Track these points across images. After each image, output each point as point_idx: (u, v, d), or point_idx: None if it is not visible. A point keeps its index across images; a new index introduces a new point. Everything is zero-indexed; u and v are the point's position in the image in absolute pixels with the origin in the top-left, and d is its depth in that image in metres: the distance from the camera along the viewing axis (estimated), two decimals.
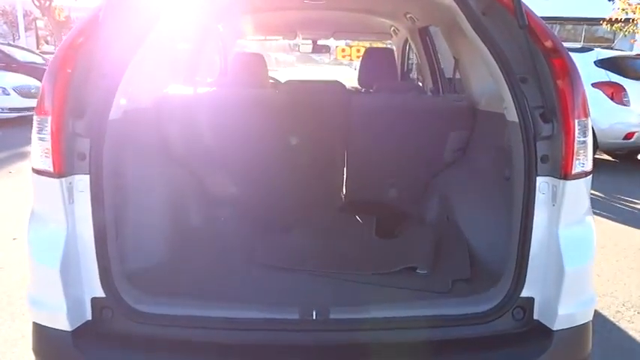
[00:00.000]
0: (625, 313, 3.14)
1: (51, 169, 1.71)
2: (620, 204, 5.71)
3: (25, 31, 24.14)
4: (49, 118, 1.69)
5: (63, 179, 1.72)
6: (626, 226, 4.86)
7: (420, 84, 4.14)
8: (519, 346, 1.83)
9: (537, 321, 1.87)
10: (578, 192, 1.81)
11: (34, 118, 1.73)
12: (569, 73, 1.74)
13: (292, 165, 2.96)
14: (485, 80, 2.78)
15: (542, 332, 1.83)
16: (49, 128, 1.69)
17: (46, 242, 1.76)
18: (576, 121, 1.74)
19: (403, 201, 3.08)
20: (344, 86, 2.83)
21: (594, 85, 7.51)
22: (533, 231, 1.82)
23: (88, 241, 1.76)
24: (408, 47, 4.69)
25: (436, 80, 3.95)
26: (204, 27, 3.85)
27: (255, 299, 1.97)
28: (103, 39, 1.77)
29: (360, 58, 5.48)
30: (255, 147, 2.88)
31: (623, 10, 15.14)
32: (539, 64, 1.78)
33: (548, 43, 1.80)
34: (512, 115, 1.86)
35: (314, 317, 1.81)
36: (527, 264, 1.84)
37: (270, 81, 4.18)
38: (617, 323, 3.03)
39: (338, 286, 2.18)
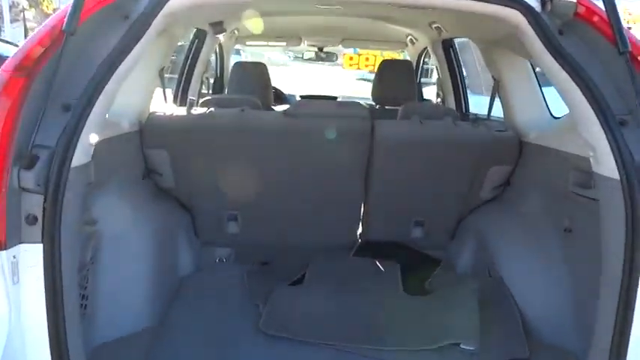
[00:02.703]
0: None
1: None
2: None
3: (12, 23, 23.31)
4: None
5: (3, 252, 1.25)
6: None
7: (440, 101, 3.70)
8: None
9: None
10: None
11: None
12: None
13: (301, 199, 2.51)
14: (536, 108, 2.36)
15: None
16: None
17: None
18: None
19: (430, 243, 2.64)
20: (366, 109, 2.37)
21: None
22: (633, 324, 1.39)
23: (38, 334, 1.29)
24: (423, 60, 4.25)
25: (459, 99, 3.52)
26: (199, 34, 3.37)
27: None
28: (70, 54, 1.31)
29: (370, 67, 5.06)
30: (258, 178, 2.42)
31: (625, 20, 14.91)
32: None
33: None
34: (607, 168, 1.43)
35: None
36: (624, 352, 1.41)
37: (272, 91, 3.72)
38: None
39: None
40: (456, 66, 3.51)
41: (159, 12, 1.53)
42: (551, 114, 2.34)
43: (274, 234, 2.62)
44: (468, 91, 3.41)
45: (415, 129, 2.28)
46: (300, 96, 4.64)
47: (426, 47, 3.93)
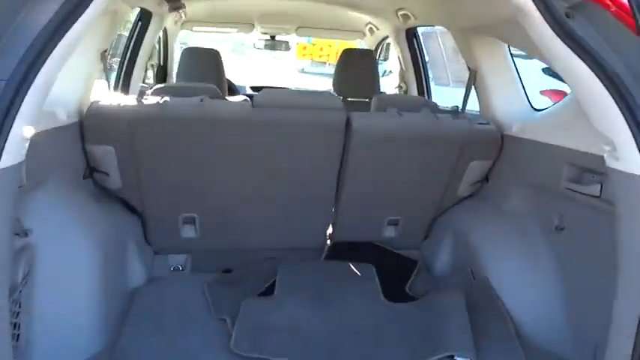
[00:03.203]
0: None
1: None
2: None
3: None
4: None
5: None
6: None
7: (403, 93, 3.56)
8: None
9: None
10: None
11: None
12: None
13: (267, 198, 2.27)
14: (516, 99, 2.25)
15: None
16: None
17: None
18: None
19: (404, 242, 2.49)
20: (339, 100, 2.16)
21: (542, 92, 7.42)
22: None
23: None
24: (381, 50, 4.10)
25: (422, 91, 3.40)
26: (143, 15, 3.03)
27: None
28: None
29: (324, 58, 4.86)
30: (220, 175, 2.16)
31: None
32: None
33: None
34: (629, 165, 1.30)
35: None
36: None
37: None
38: None
39: None
40: (419, 56, 3.38)
41: None
42: (531, 105, 2.24)
43: (236, 237, 2.36)
44: (433, 83, 3.28)
45: (394, 121, 2.10)
46: (251, 87, 4.36)
47: (386, 37, 3.79)
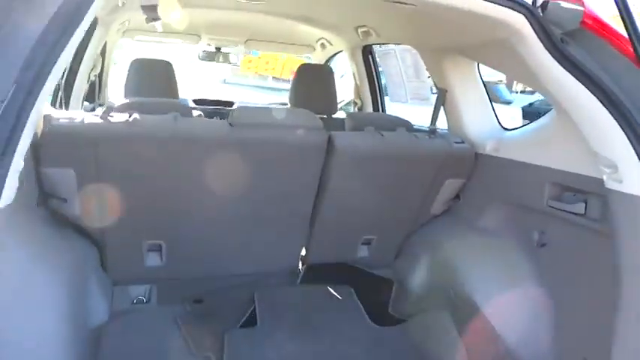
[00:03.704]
0: None
1: None
2: None
3: None
4: None
5: None
6: None
7: (357, 109, 3.56)
8: None
9: None
10: None
11: None
12: None
13: (241, 222, 2.15)
14: (487, 118, 2.31)
15: None
16: None
17: None
18: None
19: (376, 262, 2.46)
20: (318, 119, 2.09)
21: None
22: None
23: None
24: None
25: (377, 107, 3.43)
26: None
27: None
28: None
29: (270, 71, 4.76)
30: (193, 198, 2.01)
31: None
32: None
33: None
34: (632, 186, 1.35)
35: None
36: None
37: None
38: None
39: None
40: (374, 72, 3.40)
41: None
42: (500, 125, 2.30)
43: (207, 264, 2.21)
44: (389, 99, 3.31)
45: (376, 141, 2.07)
46: (193, 100, 4.15)
47: (337, 52, 3.78)
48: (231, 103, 4.08)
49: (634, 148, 1.32)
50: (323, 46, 3.76)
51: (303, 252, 2.38)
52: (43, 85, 0.96)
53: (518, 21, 1.48)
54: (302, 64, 3.39)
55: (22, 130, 0.95)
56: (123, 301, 2.12)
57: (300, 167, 2.06)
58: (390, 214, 2.33)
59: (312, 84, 3.20)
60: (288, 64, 4.07)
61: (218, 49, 4.12)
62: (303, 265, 2.40)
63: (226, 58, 4.22)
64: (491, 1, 1.46)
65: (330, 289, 2.22)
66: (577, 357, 1.72)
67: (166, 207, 2.00)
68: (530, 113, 12.00)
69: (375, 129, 2.12)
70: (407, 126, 2.23)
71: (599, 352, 1.50)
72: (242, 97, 7.06)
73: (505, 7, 1.47)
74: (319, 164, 2.06)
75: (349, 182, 2.12)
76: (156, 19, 2.21)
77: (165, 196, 1.96)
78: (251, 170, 2.01)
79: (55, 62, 0.98)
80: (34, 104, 0.95)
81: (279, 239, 2.25)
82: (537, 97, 12.27)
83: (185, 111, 1.97)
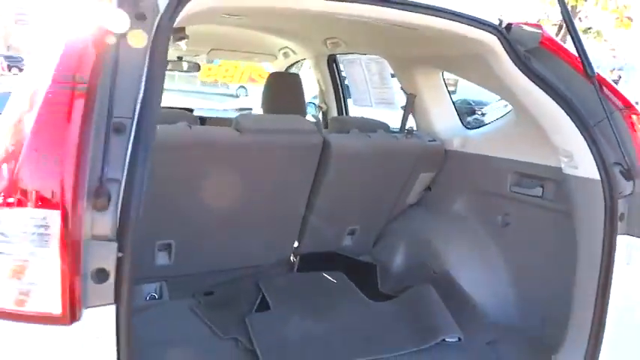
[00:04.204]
0: None
1: (55, 310, 0.90)
2: None
3: None
4: (54, 216, 0.89)
5: (76, 325, 0.93)
6: None
7: (322, 113, 3.84)
8: None
9: None
10: None
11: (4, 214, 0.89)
12: None
13: (244, 218, 2.36)
14: (451, 119, 2.67)
15: None
16: (52, 234, 0.89)
17: None
18: None
19: (358, 249, 2.76)
20: (311, 124, 2.35)
21: None
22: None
23: None
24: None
25: (341, 111, 3.73)
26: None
27: None
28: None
29: (229, 79, 4.92)
30: (199, 199, 2.19)
31: None
32: (614, 120, 1.69)
33: (620, 98, 1.73)
34: (585, 170, 1.73)
35: None
36: (604, 328, 1.73)
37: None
38: None
39: None
40: (338, 79, 3.70)
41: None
42: (463, 124, 2.68)
43: (212, 259, 2.39)
44: (354, 104, 3.62)
45: (363, 141, 2.36)
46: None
47: (300, 60, 4.04)
48: (191, 110, 4.21)
49: (585, 140, 1.71)
50: (286, 54, 4.00)
51: (296, 244, 2.63)
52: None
53: (492, 40, 1.82)
54: (272, 73, 3.63)
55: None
56: (136, 298, 2.25)
57: (297, 167, 2.31)
58: (372, 206, 2.64)
59: (283, 91, 3.44)
60: (247, 71, 4.23)
61: (180, 58, 4.23)
62: (296, 255, 2.65)
63: (195, 67, 4.32)
64: (469, 24, 1.79)
65: (325, 275, 2.49)
66: (537, 316, 2.11)
67: (178, 207, 2.17)
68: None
69: (359, 131, 2.42)
70: (385, 127, 2.55)
71: (556, 312, 1.86)
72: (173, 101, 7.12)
73: (480, 28, 1.81)
74: (314, 164, 2.32)
75: (339, 179, 2.40)
76: (183, 37, 2.37)
77: (178, 197, 2.14)
78: (254, 171, 2.24)
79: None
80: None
81: (277, 233, 2.49)
82: (458, 97, 13.21)
83: (191, 120, 2.16)
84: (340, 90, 3.73)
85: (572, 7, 8.47)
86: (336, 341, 1.97)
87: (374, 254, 2.81)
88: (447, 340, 2.05)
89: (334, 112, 3.73)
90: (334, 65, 3.66)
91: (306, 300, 2.24)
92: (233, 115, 3.83)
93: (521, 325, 2.15)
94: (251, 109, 4.84)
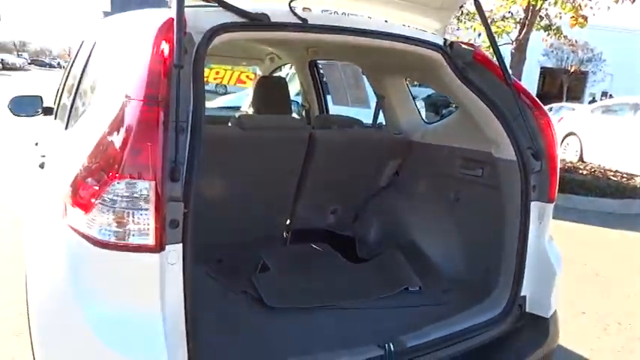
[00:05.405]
0: None
1: (150, 242, 1.43)
2: None
3: None
4: (151, 185, 1.42)
5: (159, 254, 1.46)
6: None
7: (305, 111, 4.39)
8: (527, 336, 2.31)
9: (530, 313, 2.36)
10: (551, 213, 2.39)
11: (117, 184, 1.42)
12: (551, 125, 2.30)
13: (246, 201, 2.89)
14: (414, 116, 3.25)
15: (539, 321, 2.33)
16: (149, 196, 1.42)
17: (142, 339, 1.46)
18: (558, 160, 2.30)
19: (340, 225, 3.32)
20: (300, 120, 2.90)
21: None
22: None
23: (180, 332, 1.53)
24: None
25: (322, 110, 4.28)
26: None
27: (321, 346, 1.98)
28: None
29: (218, 80, 5.43)
30: (208, 186, 2.72)
31: None
32: (526, 116, 2.28)
33: (531, 101, 2.32)
34: (507, 154, 2.32)
35: (392, 349, 1.93)
36: (524, 270, 2.32)
37: None
38: None
39: (369, 315, 2.32)
40: (319, 81, 4.25)
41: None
42: (423, 120, 3.26)
43: (218, 235, 2.92)
44: (332, 103, 4.17)
45: (345, 135, 2.92)
46: None
47: (284, 64, 4.58)
48: None
49: (506, 131, 2.29)
50: (272, 59, 4.54)
51: (288, 222, 3.18)
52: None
53: (438, 56, 2.39)
54: (261, 77, 4.15)
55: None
56: None
57: (290, 158, 2.85)
58: (350, 189, 3.20)
59: (271, 93, 3.97)
60: (235, 74, 4.75)
61: None
62: (288, 231, 3.20)
63: None
64: (421, 45, 2.35)
65: (314, 246, 3.05)
66: (479, 269, 2.68)
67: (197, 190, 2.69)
68: (431, 103, 13.75)
69: (339, 127, 2.98)
70: (359, 123, 3.11)
71: (492, 264, 2.45)
72: None
73: (429, 48, 2.37)
74: (303, 154, 2.86)
75: (323, 166, 2.95)
76: None
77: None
78: (254, 162, 2.77)
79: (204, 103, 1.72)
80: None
81: (273, 213, 3.03)
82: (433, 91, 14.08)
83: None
84: (321, 91, 4.27)
85: (532, 6, 9.13)
86: (322, 290, 2.53)
87: (354, 229, 3.38)
88: (410, 289, 2.63)
89: (316, 110, 4.28)
90: (315, 69, 4.21)
91: (299, 265, 2.80)
92: (226, 113, 4.37)
93: (468, 276, 2.73)
94: (239, 107, 5.37)
